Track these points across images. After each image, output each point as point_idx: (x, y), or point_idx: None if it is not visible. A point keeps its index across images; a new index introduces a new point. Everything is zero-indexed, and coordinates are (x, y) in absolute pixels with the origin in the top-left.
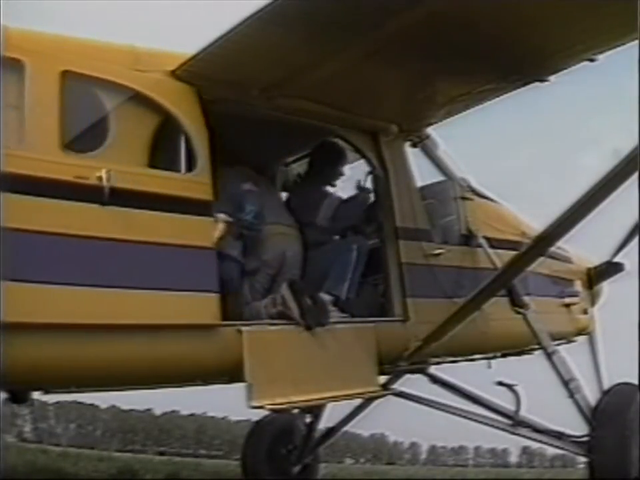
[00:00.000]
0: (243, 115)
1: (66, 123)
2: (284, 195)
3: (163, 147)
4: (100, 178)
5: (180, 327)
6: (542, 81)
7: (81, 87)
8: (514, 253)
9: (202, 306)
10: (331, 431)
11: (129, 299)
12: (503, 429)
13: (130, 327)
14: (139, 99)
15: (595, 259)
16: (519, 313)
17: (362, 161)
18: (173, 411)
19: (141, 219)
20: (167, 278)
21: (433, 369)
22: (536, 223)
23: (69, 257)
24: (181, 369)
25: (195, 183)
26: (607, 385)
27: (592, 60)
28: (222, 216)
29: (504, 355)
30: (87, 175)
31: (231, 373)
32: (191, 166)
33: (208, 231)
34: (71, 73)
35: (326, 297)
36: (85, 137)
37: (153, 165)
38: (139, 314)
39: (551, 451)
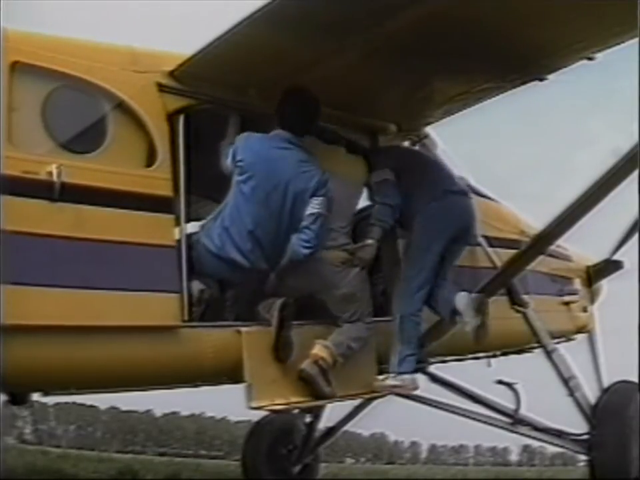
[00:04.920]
0: (242, 115)
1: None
2: None
3: (119, 140)
4: (50, 173)
5: (136, 328)
6: (541, 79)
7: (33, 78)
8: (513, 251)
9: (160, 307)
10: (331, 431)
11: (82, 299)
12: (503, 428)
13: (84, 328)
14: (94, 91)
15: (594, 256)
16: (518, 311)
17: None
18: (173, 412)
19: (93, 215)
20: (119, 278)
21: (432, 368)
22: (534, 221)
23: (18, 255)
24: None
25: (153, 178)
26: (606, 383)
27: (590, 58)
28: None
29: (504, 354)
30: (36, 170)
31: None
32: (151, 161)
33: (167, 228)
34: (21, 64)
35: None
36: (38, 131)
37: (107, 158)
38: (91, 315)
39: (551, 449)
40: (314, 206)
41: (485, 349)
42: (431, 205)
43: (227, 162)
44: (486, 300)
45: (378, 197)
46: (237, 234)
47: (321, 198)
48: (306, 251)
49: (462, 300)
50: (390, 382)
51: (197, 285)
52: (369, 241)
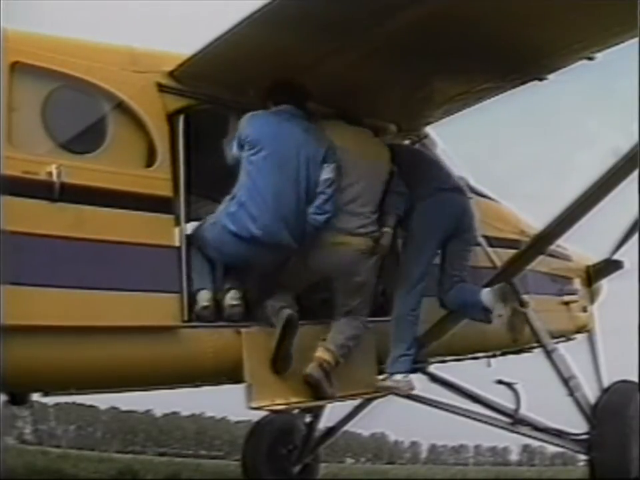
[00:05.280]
0: (241, 115)
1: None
2: None
3: (119, 140)
4: (50, 173)
5: (136, 329)
6: (540, 79)
7: (33, 78)
8: (513, 251)
9: (160, 307)
10: (331, 431)
11: (82, 300)
12: (503, 428)
13: (84, 328)
14: (94, 91)
15: (594, 256)
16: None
17: None
18: (173, 412)
19: (93, 215)
20: (119, 278)
21: (432, 368)
22: (534, 221)
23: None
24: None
25: (153, 178)
26: (606, 383)
27: (590, 58)
28: None
29: (503, 354)
30: (36, 170)
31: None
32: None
33: (167, 228)
34: (21, 64)
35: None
36: (38, 131)
37: (107, 158)
38: (91, 315)
39: (551, 449)
40: (327, 172)
41: (481, 349)
42: (424, 202)
43: (232, 151)
44: (509, 288)
45: (388, 187)
46: (255, 207)
47: (332, 164)
48: (320, 217)
49: (487, 296)
50: (384, 383)
51: (202, 300)
52: (386, 229)
